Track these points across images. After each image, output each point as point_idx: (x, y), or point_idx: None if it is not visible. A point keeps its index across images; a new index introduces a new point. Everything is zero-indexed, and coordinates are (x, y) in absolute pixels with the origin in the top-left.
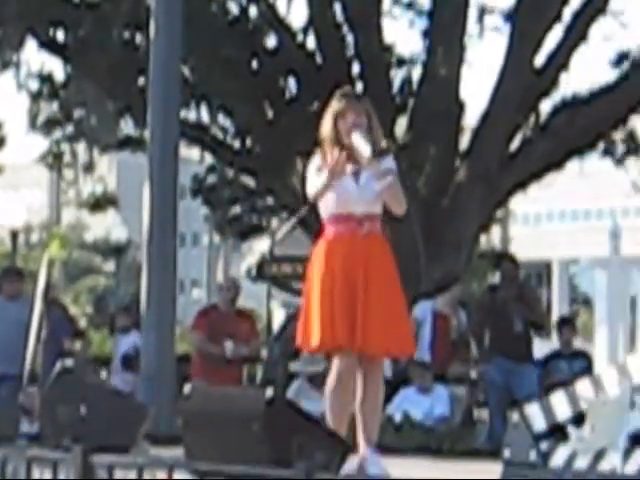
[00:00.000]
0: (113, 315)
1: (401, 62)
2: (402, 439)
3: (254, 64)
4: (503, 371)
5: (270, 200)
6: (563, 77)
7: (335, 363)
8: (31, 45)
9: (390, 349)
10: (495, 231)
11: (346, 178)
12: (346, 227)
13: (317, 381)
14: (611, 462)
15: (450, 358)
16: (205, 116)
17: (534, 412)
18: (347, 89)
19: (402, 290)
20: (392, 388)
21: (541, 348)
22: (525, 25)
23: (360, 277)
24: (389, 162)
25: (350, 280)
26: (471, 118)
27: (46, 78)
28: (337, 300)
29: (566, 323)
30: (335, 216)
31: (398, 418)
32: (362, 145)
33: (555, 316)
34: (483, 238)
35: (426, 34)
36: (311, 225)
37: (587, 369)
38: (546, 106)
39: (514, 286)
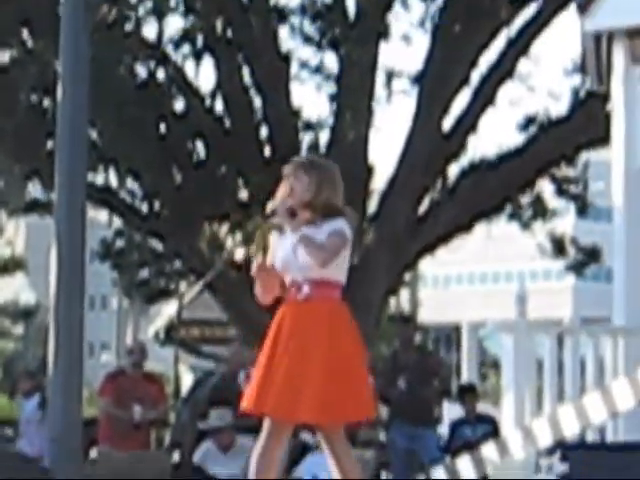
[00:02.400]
0: (16, 379)
1: (309, 126)
2: None
3: (162, 127)
4: (407, 435)
5: (178, 264)
6: (471, 140)
7: (264, 426)
8: None
9: (324, 415)
10: (404, 294)
11: (286, 244)
12: (289, 293)
13: (221, 437)
14: None
15: (359, 422)
16: (113, 179)
17: (439, 475)
18: (299, 158)
19: (352, 356)
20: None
21: (451, 411)
22: (433, 89)
23: (287, 344)
24: (336, 223)
25: (280, 347)
26: (379, 182)
27: None
28: (267, 367)
29: (467, 391)
30: (285, 282)
31: None
32: (280, 217)
33: (464, 379)
34: (392, 301)
35: (334, 98)
36: (219, 289)
37: (492, 433)
38: (454, 169)
39: (411, 348)
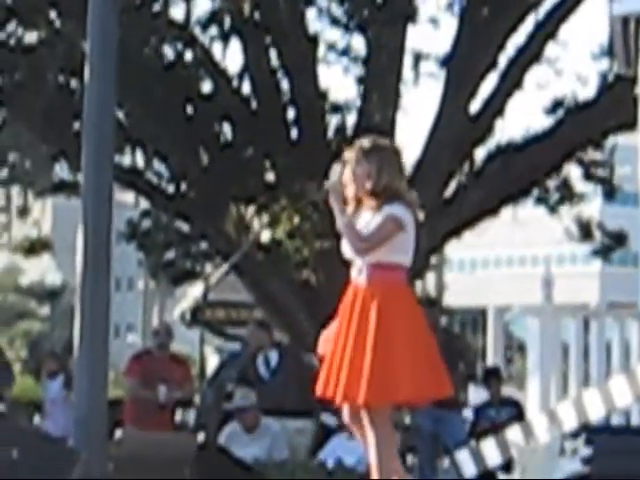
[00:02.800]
0: (40, 360)
1: (336, 108)
2: None
3: (189, 109)
4: (432, 419)
5: (204, 245)
6: (498, 124)
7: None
8: None
9: (383, 396)
10: (430, 277)
11: None
12: (356, 276)
13: (246, 417)
14: None
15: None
16: (140, 161)
17: (464, 458)
18: (360, 141)
19: (413, 336)
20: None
21: (476, 394)
22: (460, 71)
23: (346, 327)
24: (393, 208)
25: (341, 330)
26: (406, 164)
27: None
28: (329, 348)
29: (492, 374)
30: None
31: (331, 465)
32: (334, 208)
33: (490, 362)
34: (418, 284)
35: (361, 80)
36: (245, 271)
37: (516, 417)
38: (481, 153)
39: (437, 331)
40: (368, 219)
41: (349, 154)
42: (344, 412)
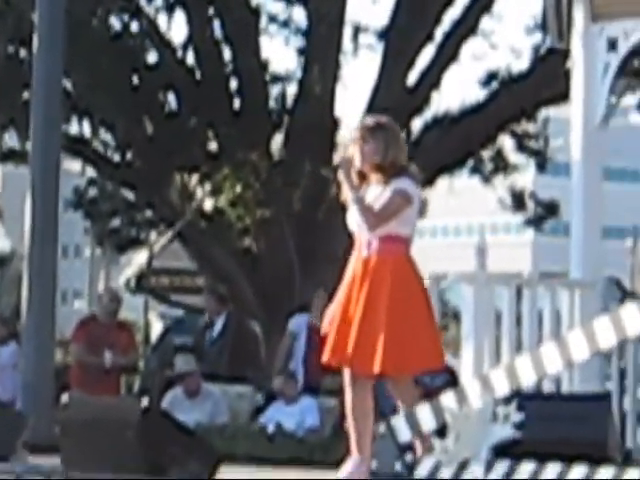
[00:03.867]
0: None
1: (277, 79)
2: (275, 450)
3: (135, 79)
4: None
5: (149, 213)
6: (435, 95)
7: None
8: None
9: (387, 367)
10: None
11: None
12: (363, 249)
13: (188, 382)
14: (474, 473)
15: (323, 371)
16: (87, 130)
17: (399, 424)
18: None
19: (416, 307)
20: None
21: None
22: (398, 44)
23: (359, 298)
24: (401, 182)
25: (351, 299)
26: (345, 134)
27: None
28: (337, 316)
29: None
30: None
31: (271, 429)
32: (344, 183)
33: None
34: None
35: (302, 52)
36: (188, 238)
37: (451, 383)
38: (418, 124)
39: None
40: (377, 193)
41: (355, 133)
42: (345, 375)
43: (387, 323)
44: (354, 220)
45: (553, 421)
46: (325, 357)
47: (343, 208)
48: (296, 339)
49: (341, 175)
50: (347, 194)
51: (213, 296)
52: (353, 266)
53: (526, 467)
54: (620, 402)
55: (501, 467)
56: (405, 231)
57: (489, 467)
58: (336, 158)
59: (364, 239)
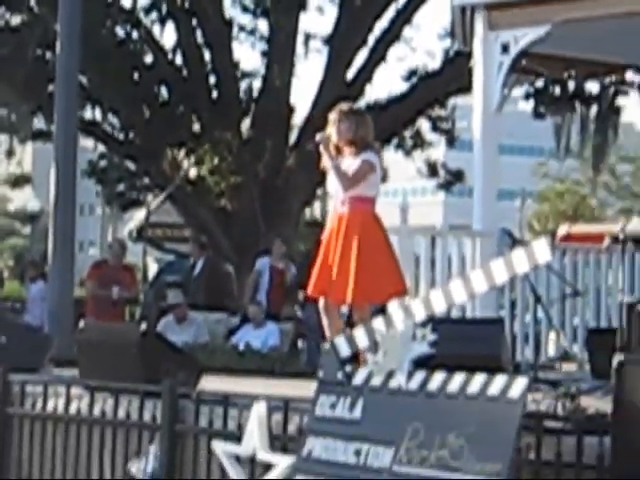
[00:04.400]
0: (25, 268)
1: (245, 75)
2: (244, 363)
3: (135, 76)
4: (318, 313)
5: (146, 180)
6: (368, 88)
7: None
8: None
9: (356, 297)
10: (317, 205)
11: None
12: (340, 207)
13: (178, 311)
14: (398, 381)
15: (283, 301)
16: (98, 115)
17: (340, 342)
18: (340, 105)
19: (380, 251)
20: None
21: None
22: (339, 48)
23: (336, 245)
24: (367, 155)
25: (329, 246)
26: (298, 119)
27: None
28: (319, 259)
29: None
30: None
31: (241, 347)
32: (323, 154)
33: None
34: (307, 211)
35: (265, 54)
36: (177, 199)
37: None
38: None
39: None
40: (349, 162)
41: (333, 115)
42: (320, 303)
43: (358, 264)
44: (332, 184)
45: (459, 340)
46: (309, 291)
47: (297, 176)
48: (261, 276)
49: (321, 148)
50: (326, 163)
51: (196, 244)
52: (331, 221)
53: (438, 376)
54: (511, 326)
55: (419, 376)
56: (371, 193)
57: (410, 376)
58: (317, 136)
59: (340, 199)
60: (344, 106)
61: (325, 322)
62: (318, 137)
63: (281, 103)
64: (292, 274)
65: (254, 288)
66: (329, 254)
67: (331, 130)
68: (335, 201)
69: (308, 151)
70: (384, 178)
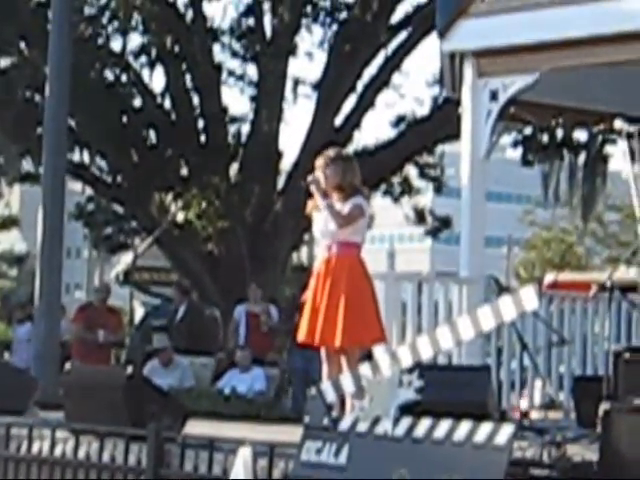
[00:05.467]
0: (11, 310)
1: (234, 120)
2: (230, 408)
3: (124, 119)
4: (303, 358)
5: (134, 223)
6: (356, 134)
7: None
8: None
9: (345, 342)
10: (304, 250)
11: (320, 219)
12: (326, 253)
13: (163, 355)
14: (384, 426)
15: (267, 346)
16: (86, 158)
17: (327, 388)
18: (327, 151)
19: (365, 297)
20: None
21: None
22: (328, 94)
23: (323, 290)
24: (357, 199)
25: (317, 291)
26: (286, 164)
27: None
28: (308, 305)
29: None
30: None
31: (227, 392)
32: (315, 195)
33: None
34: (294, 255)
35: (253, 99)
36: (164, 243)
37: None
38: None
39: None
40: (338, 207)
41: (319, 161)
42: (322, 352)
43: (344, 310)
44: (318, 229)
45: (446, 387)
46: (300, 337)
47: (284, 221)
48: (239, 324)
49: (313, 189)
50: (319, 203)
51: (178, 289)
52: (318, 266)
53: (424, 423)
54: (497, 373)
55: (405, 423)
56: (357, 238)
57: (396, 422)
58: (308, 178)
59: (325, 244)
60: (331, 151)
61: (325, 369)
62: (309, 178)
63: (269, 148)
64: (274, 318)
65: (233, 335)
66: (316, 299)
67: (319, 175)
68: (321, 246)
69: (296, 196)
70: (370, 225)
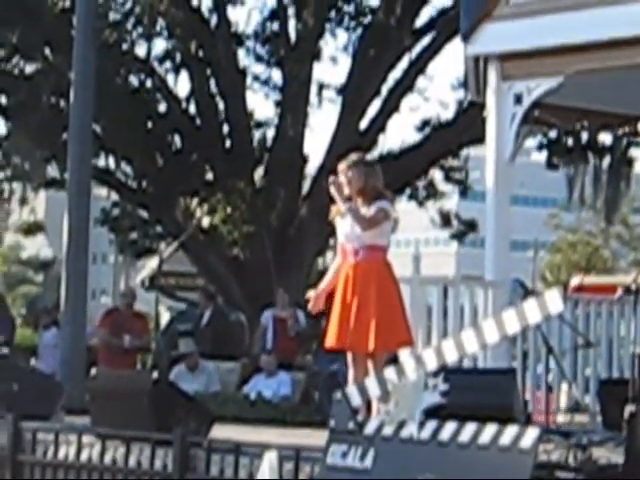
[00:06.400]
0: (37, 315)
1: (259, 125)
2: (256, 413)
3: (149, 124)
4: (329, 361)
5: (159, 228)
6: (381, 138)
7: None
8: None
9: (378, 345)
10: (329, 255)
11: (346, 223)
12: (352, 257)
13: (189, 360)
14: (410, 430)
15: (294, 351)
16: (111, 163)
17: (352, 391)
18: (350, 156)
19: (394, 300)
20: None
21: None
22: (352, 98)
23: (353, 294)
24: (381, 203)
25: (346, 296)
26: (311, 168)
27: None
28: (336, 310)
29: None
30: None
31: (253, 396)
32: (337, 199)
33: None
34: (320, 260)
35: (278, 104)
36: (190, 248)
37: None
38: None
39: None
40: (363, 212)
41: (342, 165)
42: (349, 357)
43: (375, 314)
44: (342, 233)
45: (471, 390)
46: (329, 343)
47: (309, 225)
48: (266, 329)
49: (332, 191)
50: (341, 207)
51: (203, 294)
52: (345, 271)
53: (449, 426)
54: (523, 376)
55: (430, 426)
56: (383, 242)
57: (421, 426)
58: (329, 179)
59: (351, 248)
60: (353, 156)
61: (351, 374)
62: (330, 180)
63: (294, 152)
64: (301, 322)
65: (261, 341)
66: (345, 304)
67: (342, 180)
68: (343, 251)
69: (321, 200)
70: (394, 228)
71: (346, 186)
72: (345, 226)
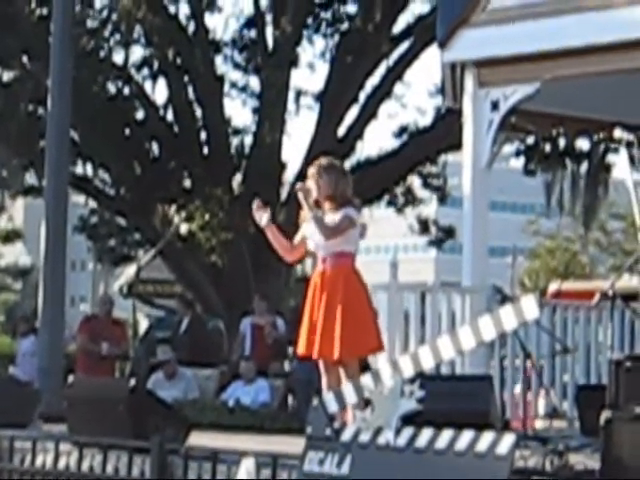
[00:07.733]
0: (16, 323)
1: (236, 131)
2: (234, 419)
3: (126, 131)
4: (307, 368)
5: (137, 236)
6: (359, 144)
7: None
8: None
9: (343, 354)
10: (307, 262)
11: (314, 231)
12: (320, 265)
13: (167, 367)
14: (386, 437)
15: (270, 357)
16: (89, 170)
17: (329, 399)
18: (319, 160)
19: (362, 306)
20: None
21: None
22: (330, 105)
23: (320, 302)
24: (347, 210)
25: (314, 304)
26: (289, 175)
27: None
28: (305, 318)
29: None
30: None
31: (231, 403)
32: (303, 205)
33: None
34: (298, 267)
35: (256, 110)
36: (168, 255)
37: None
38: (345, 166)
39: None
40: (329, 218)
41: (312, 170)
42: (321, 364)
43: (341, 322)
44: (312, 241)
45: (448, 396)
46: (300, 351)
47: (288, 232)
48: (244, 336)
49: (300, 197)
50: (307, 214)
51: (181, 301)
52: (313, 279)
53: (426, 433)
54: (501, 382)
55: (407, 433)
56: (350, 248)
57: (397, 432)
58: (297, 185)
59: (320, 256)
60: (323, 161)
61: (324, 381)
62: (298, 186)
63: (272, 159)
64: (279, 329)
65: (240, 348)
66: (314, 312)
67: (311, 184)
68: (315, 258)
69: (299, 207)
70: (362, 234)
71: (315, 191)
72: (313, 234)
